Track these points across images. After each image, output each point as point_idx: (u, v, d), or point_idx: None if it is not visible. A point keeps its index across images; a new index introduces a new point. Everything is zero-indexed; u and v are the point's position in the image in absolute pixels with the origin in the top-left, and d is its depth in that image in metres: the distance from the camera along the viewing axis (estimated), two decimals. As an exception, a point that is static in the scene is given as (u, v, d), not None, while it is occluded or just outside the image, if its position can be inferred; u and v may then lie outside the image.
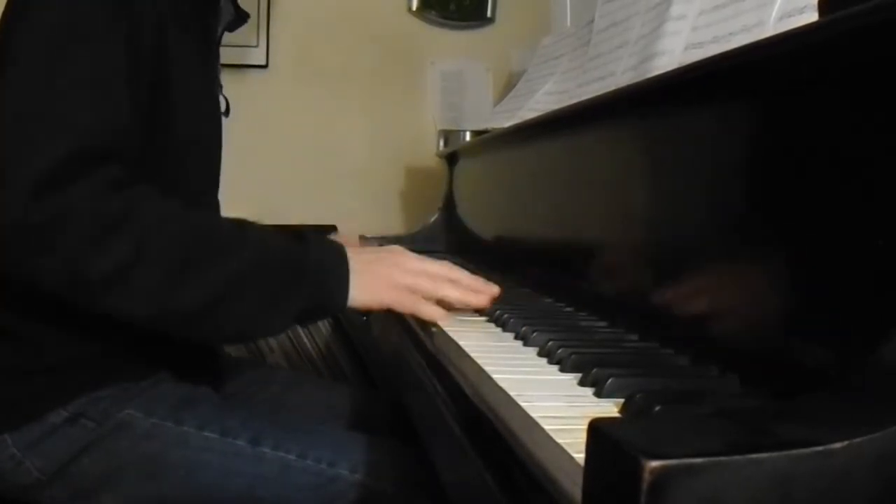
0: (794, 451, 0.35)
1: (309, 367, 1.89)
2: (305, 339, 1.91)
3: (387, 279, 0.93)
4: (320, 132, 2.15)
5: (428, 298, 0.93)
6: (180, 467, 0.95)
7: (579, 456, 0.42)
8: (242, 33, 2.04)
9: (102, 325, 0.92)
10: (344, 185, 2.15)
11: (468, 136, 1.82)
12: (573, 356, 0.68)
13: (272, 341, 1.88)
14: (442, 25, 2.20)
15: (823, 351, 0.55)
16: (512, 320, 0.87)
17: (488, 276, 1.01)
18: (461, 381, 0.74)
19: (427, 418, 0.82)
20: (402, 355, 0.99)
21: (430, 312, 0.92)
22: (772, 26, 0.78)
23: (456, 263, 1.00)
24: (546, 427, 0.51)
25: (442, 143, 1.98)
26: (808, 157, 0.60)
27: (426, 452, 0.81)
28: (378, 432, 1.06)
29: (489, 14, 2.20)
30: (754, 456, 0.34)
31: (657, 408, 0.52)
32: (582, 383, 0.64)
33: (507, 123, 1.44)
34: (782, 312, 0.61)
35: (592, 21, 1.29)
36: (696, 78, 0.76)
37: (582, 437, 0.39)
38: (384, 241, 1.74)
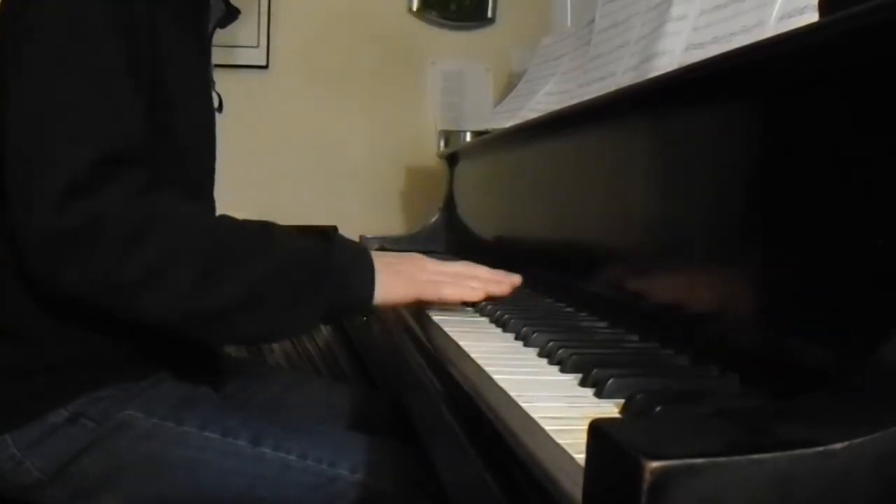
0: (795, 452, 0.35)
1: (309, 367, 1.89)
2: (305, 339, 1.90)
3: (409, 277, 0.94)
4: (321, 133, 2.16)
5: (447, 298, 0.95)
6: (180, 467, 0.95)
7: (580, 456, 0.42)
8: (243, 34, 2.06)
9: (103, 325, 0.93)
10: (344, 185, 2.16)
11: (468, 137, 1.82)
12: (574, 357, 0.68)
13: (273, 341, 1.88)
14: (442, 26, 2.20)
15: (823, 351, 0.55)
16: (512, 321, 0.87)
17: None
18: (461, 382, 0.74)
19: (427, 418, 0.82)
20: (402, 355, 1.00)
21: (454, 293, 0.93)
22: (772, 26, 0.78)
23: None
24: (546, 427, 0.51)
25: (442, 143, 1.98)
26: (808, 158, 0.60)
27: (426, 452, 0.81)
28: (378, 432, 1.06)
29: (489, 14, 2.20)
30: (755, 456, 0.34)
31: (657, 408, 0.52)
32: (582, 384, 0.64)
33: (508, 124, 1.44)
34: (782, 312, 0.61)
35: (593, 21, 1.29)
36: (697, 78, 0.76)
37: (582, 438, 0.39)
38: (384, 241, 1.74)
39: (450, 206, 1.78)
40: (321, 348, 1.91)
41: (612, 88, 1.05)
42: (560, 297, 1.05)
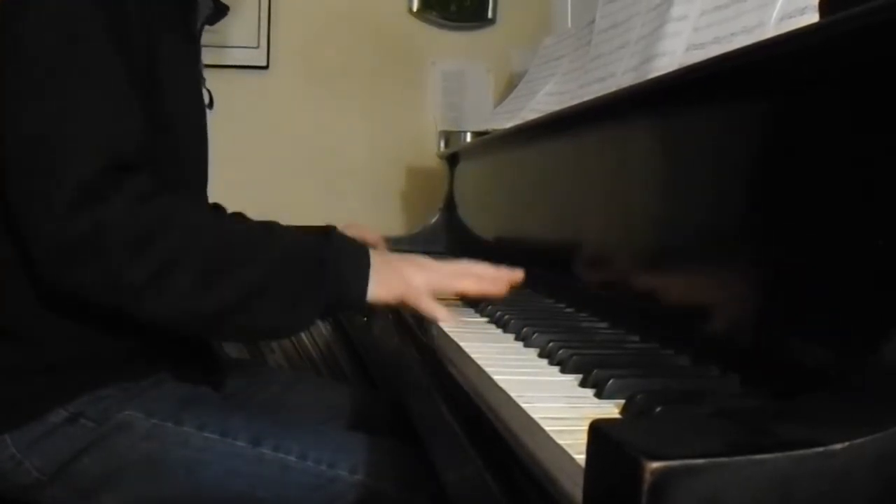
0: (795, 452, 0.35)
1: (309, 367, 1.89)
2: (306, 339, 1.90)
3: (404, 274, 0.94)
4: (321, 133, 2.16)
5: (444, 292, 0.94)
6: (180, 467, 0.95)
7: (580, 457, 0.42)
8: (243, 34, 2.06)
9: (103, 325, 0.93)
10: (344, 185, 2.16)
11: (469, 137, 1.82)
12: (574, 357, 0.68)
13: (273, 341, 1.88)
14: (442, 26, 2.20)
15: (823, 351, 0.55)
16: (513, 321, 0.87)
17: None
18: (462, 382, 0.74)
19: (427, 418, 0.82)
20: (402, 355, 1.00)
21: (431, 308, 0.92)
22: (773, 27, 0.78)
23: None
24: (547, 428, 0.51)
25: (442, 143, 1.98)
26: (808, 158, 0.60)
27: (426, 452, 0.81)
28: (378, 432, 1.06)
29: (490, 15, 2.20)
30: (755, 456, 0.34)
31: (658, 408, 0.52)
32: (583, 384, 0.64)
33: (508, 124, 1.44)
34: (783, 312, 0.61)
35: (593, 22, 1.29)
36: (698, 79, 0.76)
37: (583, 438, 0.39)
38: (384, 242, 1.74)
39: (450, 206, 1.78)
40: (321, 348, 1.91)
41: (613, 89, 1.05)
42: (560, 297, 1.05)
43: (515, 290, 0.99)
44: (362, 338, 1.76)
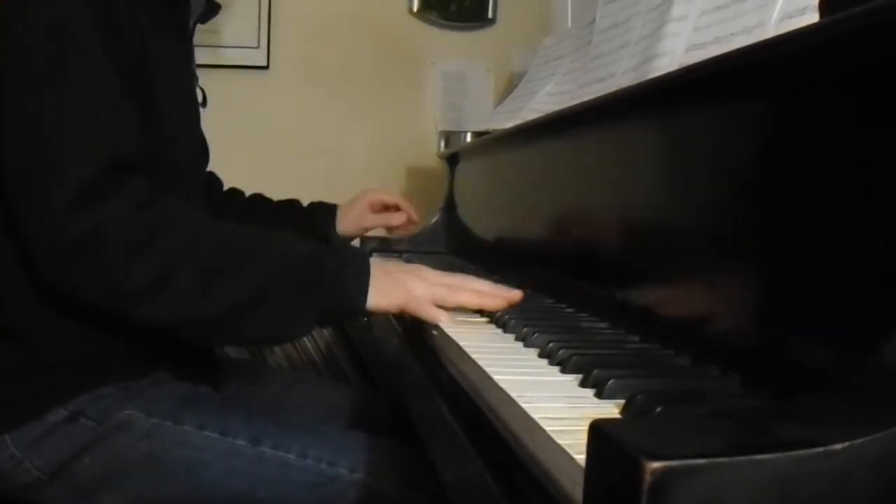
0: (795, 452, 0.35)
1: (309, 367, 1.89)
2: (306, 339, 1.90)
3: (404, 284, 0.93)
4: (321, 133, 2.16)
5: (443, 304, 0.93)
6: (181, 467, 0.95)
7: (580, 457, 0.42)
8: (243, 34, 2.06)
9: (102, 324, 0.93)
10: (345, 185, 2.15)
11: (469, 137, 1.82)
12: (574, 357, 0.68)
13: (273, 341, 1.88)
14: (443, 26, 2.20)
15: (823, 351, 0.55)
16: (513, 321, 0.87)
17: (489, 277, 1.01)
18: (462, 382, 0.74)
19: (427, 418, 0.82)
20: (402, 355, 1.00)
21: (433, 313, 0.92)
22: (773, 27, 0.78)
23: (464, 268, 1.00)
24: (547, 428, 0.51)
25: (443, 143, 1.98)
26: (808, 158, 0.60)
27: (426, 452, 0.81)
28: (378, 432, 1.06)
29: (490, 15, 2.20)
30: (755, 457, 0.34)
31: (658, 408, 0.52)
32: (583, 384, 0.64)
33: (508, 124, 1.44)
34: (782, 312, 0.61)
35: (593, 22, 1.29)
36: (698, 79, 0.76)
37: (583, 438, 0.39)
38: (385, 241, 1.74)
39: (450, 206, 1.78)
40: (321, 348, 1.91)
41: (613, 89, 1.05)
42: (560, 297, 1.05)
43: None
44: (362, 338, 1.76)
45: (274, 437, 0.97)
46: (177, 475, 0.95)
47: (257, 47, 2.09)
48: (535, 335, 0.79)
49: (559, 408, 0.57)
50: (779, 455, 0.35)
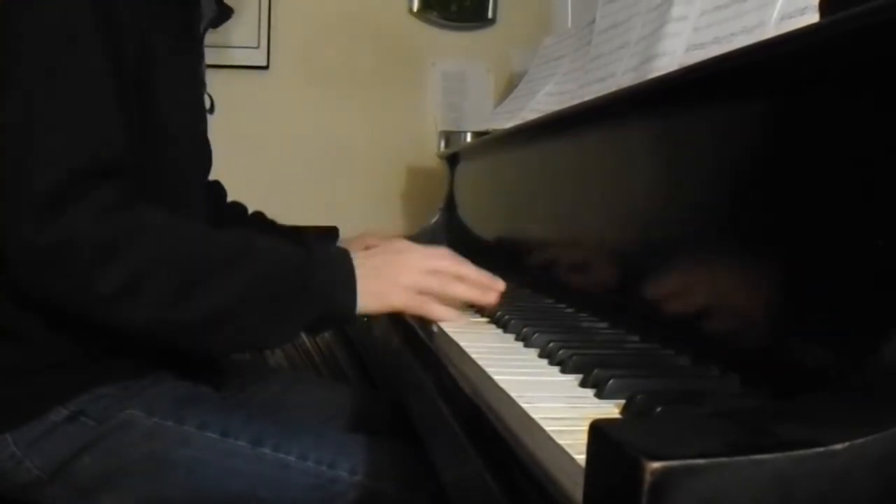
0: (795, 452, 0.35)
1: (309, 367, 1.89)
2: (306, 339, 1.90)
3: (394, 282, 0.93)
4: (321, 133, 2.15)
5: (436, 297, 0.93)
6: (181, 467, 0.95)
7: (580, 457, 0.42)
8: (243, 34, 2.05)
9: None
10: (344, 185, 2.15)
11: (469, 137, 1.82)
12: (574, 357, 0.68)
13: (273, 341, 1.87)
14: (443, 26, 2.20)
15: (823, 351, 0.55)
16: (513, 321, 0.87)
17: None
18: (462, 382, 0.74)
19: (427, 418, 0.82)
20: (402, 355, 1.00)
21: (440, 313, 0.92)
22: (773, 27, 0.78)
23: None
24: (547, 428, 0.51)
25: (443, 143, 1.98)
26: (808, 158, 0.60)
27: (426, 452, 0.81)
28: (378, 432, 1.06)
29: (490, 15, 2.20)
30: (755, 457, 0.34)
31: (658, 409, 0.52)
32: (583, 384, 0.64)
33: (508, 124, 1.44)
34: (783, 312, 0.61)
35: (593, 22, 1.29)
36: (698, 79, 0.76)
37: (583, 438, 0.39)
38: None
39: (450, 206, 1.78)
40: (321, 348, 1.91)
41: (613, 89, 1.05)
42: (560, 297, 1.05)
43: (507, 296, 0.98)
44: (362, 338, 1.76)
45: (274, 439, 0.97)
46: (177, 475, 0.95)
47: (257, 47, 2.09)
48: (536, 335, 0.79)
49: (559, 408, 0.57)
50: (779, 455, 0.35)
